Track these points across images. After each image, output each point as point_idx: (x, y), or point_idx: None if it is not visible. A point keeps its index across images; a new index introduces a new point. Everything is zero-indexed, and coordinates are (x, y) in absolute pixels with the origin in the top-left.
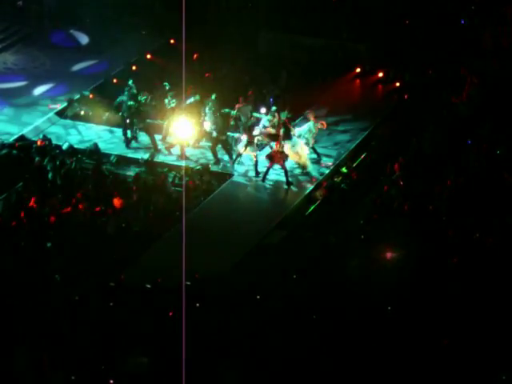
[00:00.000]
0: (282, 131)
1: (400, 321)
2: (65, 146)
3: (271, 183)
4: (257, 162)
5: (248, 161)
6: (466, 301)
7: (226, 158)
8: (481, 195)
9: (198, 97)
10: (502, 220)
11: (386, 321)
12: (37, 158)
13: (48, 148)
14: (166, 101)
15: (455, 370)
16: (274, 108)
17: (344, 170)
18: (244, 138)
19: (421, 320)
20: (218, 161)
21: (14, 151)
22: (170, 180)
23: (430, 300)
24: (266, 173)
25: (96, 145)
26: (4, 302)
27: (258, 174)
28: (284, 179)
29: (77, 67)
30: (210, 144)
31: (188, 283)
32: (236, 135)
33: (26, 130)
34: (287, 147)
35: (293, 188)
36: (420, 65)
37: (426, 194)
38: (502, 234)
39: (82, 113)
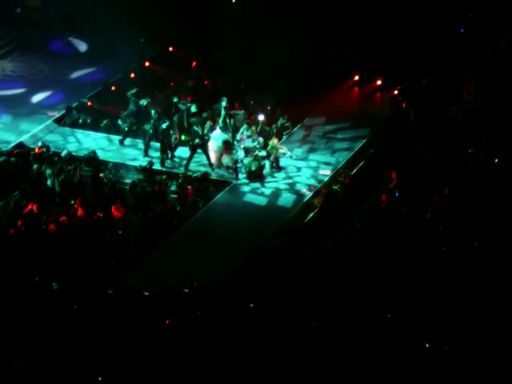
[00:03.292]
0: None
1: (399, 327)
2: (63, 154)
3: (270, 190)
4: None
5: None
6: (466, 307)
7: None
8: (479, 202)
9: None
10: (501, 227)
11: (386, 327)
12: (35, 166)
13: (46, 155)
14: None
15: (452, 375)
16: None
17: (342, 177)
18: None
19: (420, 326)
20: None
21: (13, 158)
22: (171, 188)
23: (429, 306)
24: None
25: (94, 152)
26: (2, 310)
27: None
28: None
29: (75, 75)
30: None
31: (186, 291)
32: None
33: (24, 138)
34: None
35: (292, 195)
36: (418, 72)
37: (423, 202)
38: (500, 241)
39: (81, 120)
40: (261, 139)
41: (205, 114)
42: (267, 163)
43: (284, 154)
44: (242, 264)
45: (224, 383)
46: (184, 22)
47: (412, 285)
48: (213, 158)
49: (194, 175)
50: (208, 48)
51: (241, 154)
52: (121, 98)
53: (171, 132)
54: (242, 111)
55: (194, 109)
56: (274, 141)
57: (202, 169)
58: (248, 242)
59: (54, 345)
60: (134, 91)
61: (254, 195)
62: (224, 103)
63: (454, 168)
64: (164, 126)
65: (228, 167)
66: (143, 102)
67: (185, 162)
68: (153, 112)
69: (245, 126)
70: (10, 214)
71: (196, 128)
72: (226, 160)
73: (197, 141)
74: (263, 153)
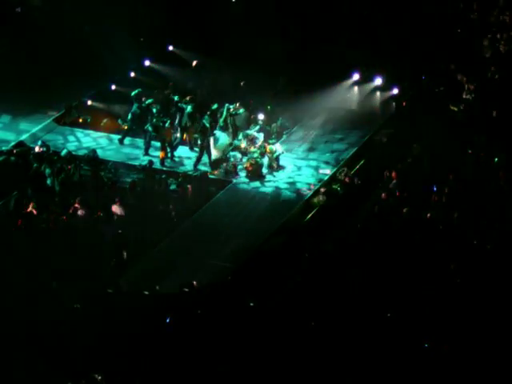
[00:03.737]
0: None
1: (399, 327)
2: (63, 153)
3: (270, 189)
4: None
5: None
6: (466, 307)
7: None
8: (478, 202)
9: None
10: (500, 227)
11: (386, 327)
12: (35, 165)
13: (46, 154)
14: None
15: (452, 376)
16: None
17: (342, 176)
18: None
19: (420, 326)
20: None
21: (12, 157)
22: (172, 187)
23: (429, 306)
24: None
25: (94, 151)
26: (2, 309)
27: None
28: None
29: (75, 73)
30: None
31: (186, 290)
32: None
33: (23, 137)
34: None
35: (292, 194)
36: (418, 72)
37: (423, 202)
38: (500, 241)
39: (81, 120)
40: (261, 136)
41: (241, 110)
42: (265, 162)
43: (282, 152)
44: (242, 263)
45: (224, 382)
46: (184, 21)
47: (412, 284)
48: (213, 156)
49: (194, 174)
50: (208, 47)
51: (238, 155)
52: (121, 97)
53: (172, 131)
54: (243, 110)
55: (190, 109)
56: (271, 146)
57: (203, 168)
58: (248, 241)
59: (54, 344)
60: (136, 92)
61: (254, 194)
62: (232, 107)
63: (454, 168)
64: (166, 125)
65: (229, 171)
66: (149, 101)
67: (185, 161)
68: (154, 110)
69: (254, 127)
70: (10, 214)
71: (207, 125)
72: (228, 167)
73: (201, 138)
74: (262, 149)
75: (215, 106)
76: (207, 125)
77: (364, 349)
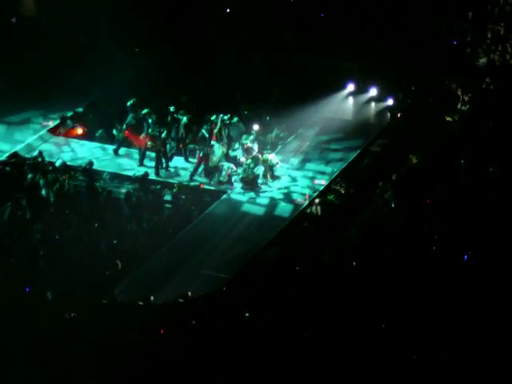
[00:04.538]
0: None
1: (394, 337)
2: (58, 163)
3: (265, 200)
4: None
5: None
6: (461, 316)
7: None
8: (473, 211)
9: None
10: (495, 234)
11: (380, 338)
12: (30, 175)
13: (41, 165)
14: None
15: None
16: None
17: (337, 187)
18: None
19: (415, 335)
20: None
21: (7, 168)
22: (166, 198)
23: (424, 316)
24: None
25: (91, 163)
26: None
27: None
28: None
29: (70, 84)
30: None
31: (181, 300)
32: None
33: (18, 148)
34: None
35: (287, 205)
36: (413, 82)
37: (418, 212)
38: (494, 249)
39: (79, 131)
40: (256, 146)
41: (235, 119)
42: (261, 172)
43: (277, 163)
44: (237, 273)
45: None
46: (179, 33)
47: (407, 295)
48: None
49: (189, 185)
50: (203, 58)
51: (232, 165)
52: (116, 108)
53: (167, 142)
54: (237, 120)
55: (185, 120)
56: (266, 155)
57: (198, 179)
58: (243, 252)
59: (49, 353)
60: (132, 102)
61: (249, 204)
62: (226, 117)
63: (449, 177)
64: (162, 135)
65: (222, 182)
66: (144, 111)
67: (181, 171)
68: (150, 121)
69: (248, 137)
70: (5, 224)
71: (206, 135)
72: (221, 177)
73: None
74: (256, 159)
75: (214, 117)
76: (206, 135)
77: (358, 359)
